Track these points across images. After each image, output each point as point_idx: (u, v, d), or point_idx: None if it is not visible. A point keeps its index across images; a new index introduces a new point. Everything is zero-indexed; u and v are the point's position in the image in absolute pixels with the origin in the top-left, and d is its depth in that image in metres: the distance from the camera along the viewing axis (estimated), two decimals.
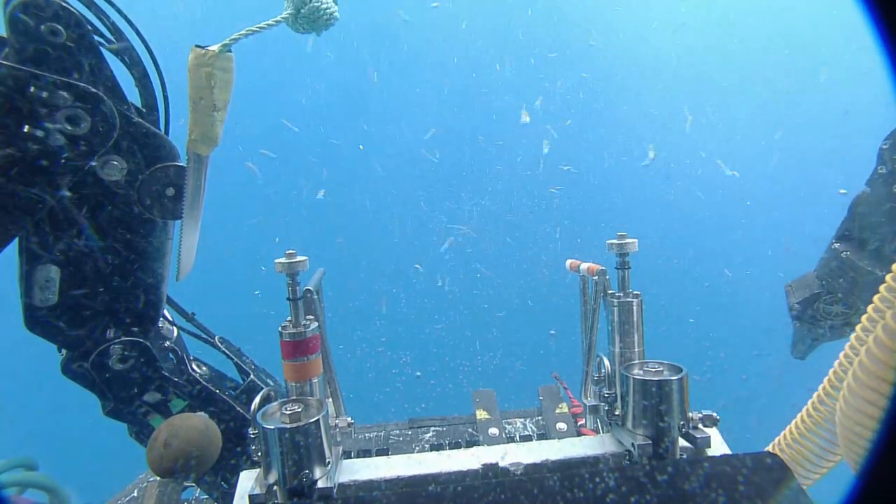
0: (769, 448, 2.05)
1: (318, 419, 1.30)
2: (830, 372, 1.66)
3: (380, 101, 13.01)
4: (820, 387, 1.73)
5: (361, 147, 12.39)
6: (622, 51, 12.77)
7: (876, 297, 1.40)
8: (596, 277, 1.68)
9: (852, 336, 1.49)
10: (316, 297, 1.58)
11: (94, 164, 1.69)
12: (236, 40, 1.74)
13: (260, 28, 1.77)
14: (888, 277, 1.38)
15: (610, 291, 1.64)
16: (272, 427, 1.26)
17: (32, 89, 1.51)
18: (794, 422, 1.92)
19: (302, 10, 1.74)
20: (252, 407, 1.37)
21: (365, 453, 2.44)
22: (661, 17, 12.48)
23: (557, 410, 2.73)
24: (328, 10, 1.76)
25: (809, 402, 1.82)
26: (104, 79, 1.66)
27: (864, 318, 1.45)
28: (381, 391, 10.78)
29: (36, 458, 2.76)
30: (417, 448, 2.52)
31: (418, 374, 11.04)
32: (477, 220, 12.91)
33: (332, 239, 12.59)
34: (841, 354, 1.55)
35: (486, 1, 13.00)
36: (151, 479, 2.44)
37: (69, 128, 1.58)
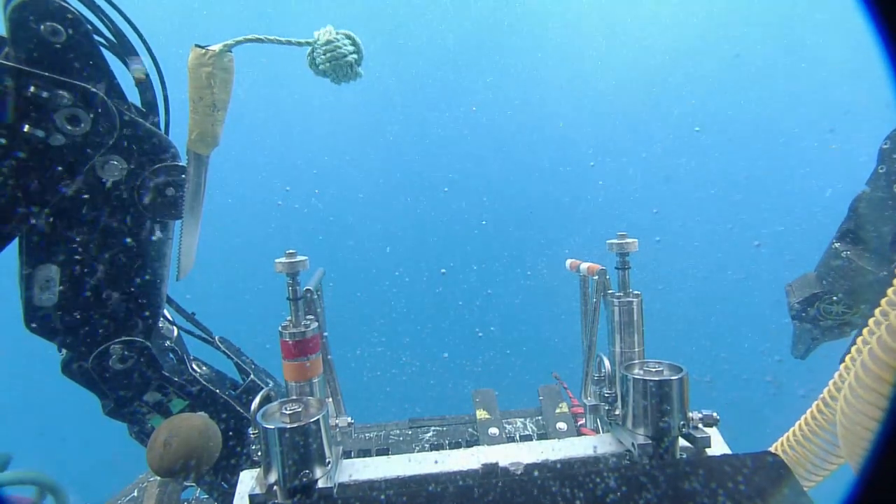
0: (772, 449, 2.05)
1: (318, 419, 1.30)
2: (836, 374, 1.66)
3: (378, 99, 13.01)
4: (825, 389, 1.73)
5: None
6: (615, 49, 12.78)
7: (883, 301, 1.40)
8: (596, 277, 1.68)
9: (858, 339, 1.49)
10: (316, 297, 1.58)
11: (94, 163, 1.69)
12: (239, 43, 1.74)
13: (269, 39, 1.75)
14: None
15: (610, 291, 1.64)
16: (272, 427, 1.26)
17: (32, 89, 1.51)
18: (797, 424, 1.92)
19: (318, 42, 1.71)
20: (252, 407, 1.37)
21: (365, 453, 2.44)
22: (669, 14, 12.46)
23: (557, 410, 2.73)
24: (342, 51, 1.72)
25: (814, 405, 1.82)
26: (104, 79, 1.66)
27: (870, 321, 1.45)
28: (381, 391, 10.78)
29: (36, 457, 2.76)
30: (417, 448, 2.52)
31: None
32: (476, 220, 12.92)
33: (331, 238, 12.59)
34: (847, 357, 1.55)
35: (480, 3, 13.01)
36: (151, 479, 2.44)
37: (69, 128, 1.58)
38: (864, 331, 1.47)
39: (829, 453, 1.79)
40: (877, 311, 1.42)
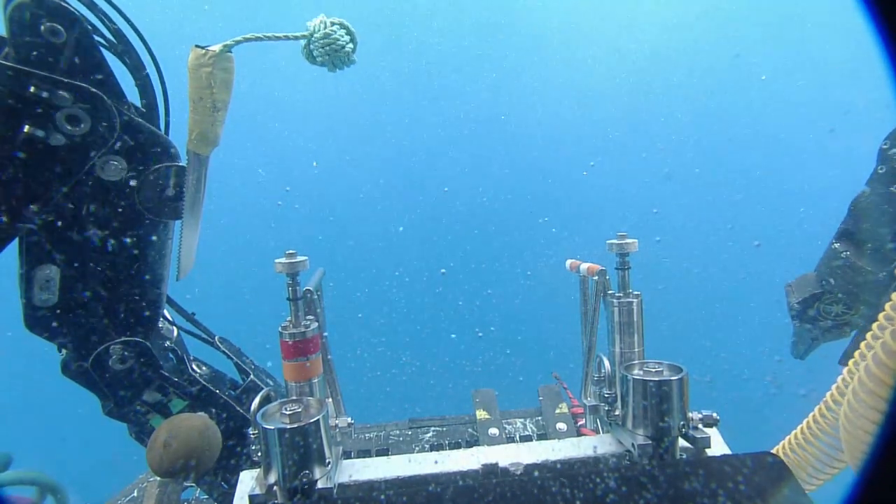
0: (775, 450, 2.05)
1: (318, 419, 1.30)
2: (839, 378, 1.66)
3: (378, 99, 13.01)
4: (828, 393, 1.73)
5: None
6: (614, 49, 12.77)
7: (887, 306, 1.40)
8: (596, 277, 1.68)
9: (862, 344, 1.49)
10: (316, 297, 1.58)
11: (94, 163, 1.69)
12: (239, 43, 1.74)
13: (266, 37, 1.77)
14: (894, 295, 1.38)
15: (610, 291, 1.64)
16: (272, 427, 1.26)
17: (32, 89, 1.51)
18: (799, 427, 1.92)
19: (316, 35, 1.74)
20: (252, 407, 1.37)
21: (365, 453, 2.44)
22: (663, 13, 12.46)
23: (557, 410, 2.73)
24: (339, 43, 1.76)
25: (817, 408, 1.82)
26: (104, 79, 1.66)
27: (874, 325, 1.45)
28: (381, 391, 10.78)
29: (36, 457, 2.76)
30: (417, 448, 2.52)
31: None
32: (476, 220, 12.91)
33: (331, 238, 12.58)
34: (850, 362, 1.55)
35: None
36: (151, 479, 2.44)
37: (69, 128, 1.58)
38: (868, 335, 1.46)
39: (832, 457, 1.79)
40: (881, 316, 1.42)
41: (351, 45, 1.79)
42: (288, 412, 1.29)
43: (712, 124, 12.69)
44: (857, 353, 1.51)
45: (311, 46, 1.76)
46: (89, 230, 1.76)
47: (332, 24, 1.76)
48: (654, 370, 1.47)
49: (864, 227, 2.25)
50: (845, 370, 1.59)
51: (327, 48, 1.75)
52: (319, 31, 1.74)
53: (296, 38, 1.78)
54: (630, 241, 1.60)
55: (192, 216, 1.93)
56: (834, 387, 1.70)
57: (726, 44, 12.36)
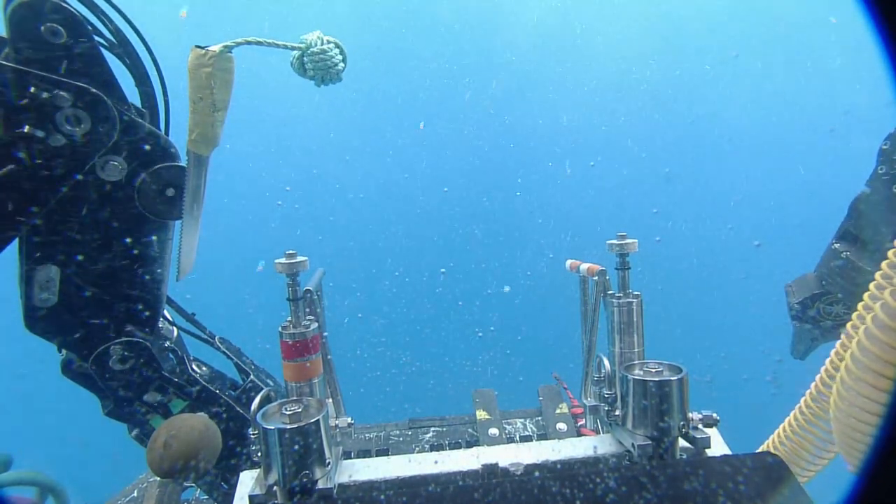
0: (766, 444, 2.05)
1: (318, 419, 1.30)
2: (823, 369, 1.66)
3: (378, 99, 13.00)
4: (812, 385, 1.73)
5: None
6: (615, 48, 12.77)
7: (871, 285, 1.39)
8: (596, 278, 1.68)
9: (847, 325, 1.48)
10: (316, 297, 1.59)
11: (94, 164, 1.69)
12: (239, 45, 1.75)
13: (266, 42, 1.80)
14: (880, 270, 1.37)
15: (610, 292, 1.65)
16: (272, 427, 1.26)
17: (32, 90, 1.51)
18: (789, 418, 1.92)
19: (312, 49, 1.78)
20: (252, 407, 1.37)
21: (365, 453, 2.44)
22: (663, 12, 12.45)
23: (557, 410, 2.73)
24: (333, 61, 1.82)
25: (803, 399, 1.82)
26: (104, 79, 1.66)
27: (859, 306, 1.44)
28: (381, 391, 10.78)
29: (36, 457, 2.76)
30: (417, 448, 2.52)
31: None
32: (476, 219, 12.92)
33: (331, 238, 12.59)
34: (838, 345, 1.54)
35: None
36: (151, 479, 2.44)
37: (69, 128, 1.58)
38: (852, 319, 1.45)
39: (821, 448, 1.79)
40: (865, 296, 1.40)
41: (342, 65, 1.86)
42: (288, 412, 1.29)
43: (712, 124, 12.68)
44: (842, 338, 1.50)
45: (305, 59, 1.82)
46: (89, 230, 1.76)
47: (328, 41, 1.82)
48: (654, 370, 1.47)
49: (864, 228, 2.25)
50: (830, 358, 1.58)
51: (320, 64, 1.82)
52: (316, 46, 1.79)
53: (292, 48, 1.83)
54: (630, 241, 1.61)
55: (191, 216, 1.94)
56: (819, 376, 1.69)
57: (726, 44, 12.36)
